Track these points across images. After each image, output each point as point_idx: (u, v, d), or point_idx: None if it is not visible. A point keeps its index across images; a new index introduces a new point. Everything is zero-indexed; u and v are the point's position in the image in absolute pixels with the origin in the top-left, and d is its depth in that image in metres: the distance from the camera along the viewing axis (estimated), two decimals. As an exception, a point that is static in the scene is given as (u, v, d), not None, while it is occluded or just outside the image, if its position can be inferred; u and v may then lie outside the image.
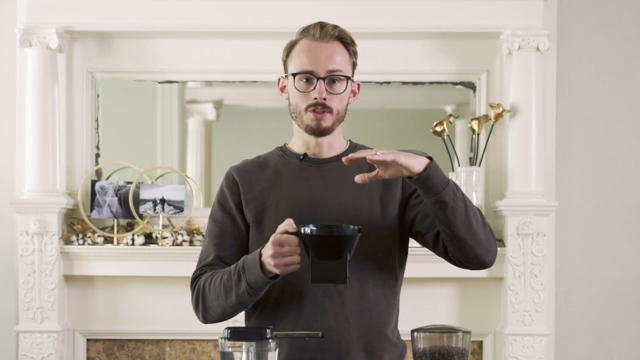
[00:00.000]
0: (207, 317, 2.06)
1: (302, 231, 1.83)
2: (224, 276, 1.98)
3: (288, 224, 1.86)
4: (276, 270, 1.87)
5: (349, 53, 2.05)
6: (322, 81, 2.00)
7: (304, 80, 2.02)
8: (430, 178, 1.86)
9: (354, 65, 2.08)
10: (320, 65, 2.00)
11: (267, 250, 1.88)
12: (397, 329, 2.13)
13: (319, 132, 2.04)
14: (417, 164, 1.84)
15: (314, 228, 1.82)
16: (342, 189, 2.05)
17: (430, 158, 1.87)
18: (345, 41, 2.05)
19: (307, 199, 2.04)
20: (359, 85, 2.11)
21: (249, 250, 2.07)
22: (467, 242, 1.93)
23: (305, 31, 2.05)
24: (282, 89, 2.10)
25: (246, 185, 2.09)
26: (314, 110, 2.01)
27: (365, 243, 1.98)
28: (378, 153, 1.81)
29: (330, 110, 2.02)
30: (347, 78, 2.03)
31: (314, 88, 2.00)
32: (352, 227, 1.83)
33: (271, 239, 1.88)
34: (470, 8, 3.60)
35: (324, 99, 2.00)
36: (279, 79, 2.11)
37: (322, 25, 2.03)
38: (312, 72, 2.00)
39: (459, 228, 1.91)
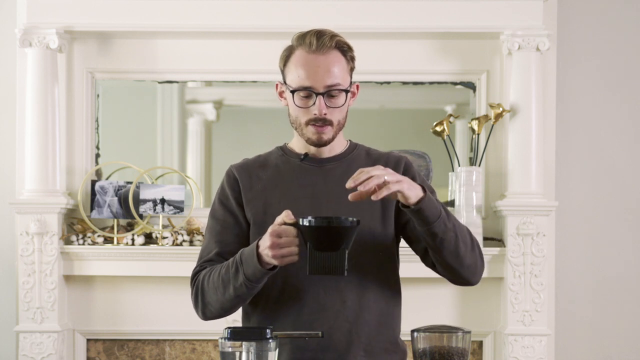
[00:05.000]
0: (206, 312, 2.05)
1: (301, 222, 1.84)
2: (222, 270, 1.99)
3: (286, 215, 1.87)
4: (274, 262, 1.88)
5: (346, 60, 2.04)
6: (321, 97, 2.00)
7: (303, 95, 2.01)
8: (423, 210, 1.90)
9: (352, 70, 2.07)
10: (318, 81, 1.99)
11: (265, 242, 1.88)
12: (399, 328, 2.13)
13: (320, 144, 2.05)
14: (414, 196, 1.88)
15: (312, 219, 1.83)
16: (343, 188, 2.05)
17: (423, 189, 1.90)
18: (343, 49, 2.03)
19: (308, 197, 2.05)
20: (357, 86, 2.11)
21: None
22: (454, 266, 2.00)
23: (301, 39, 2.02)
24: (281, 94, 2.11)
25: (247, 183, 2.09)
26: (314, 125, 2.02)
27: (366, 242, 2.01)
28: (390, 184, 1.82)
29: (331, 123, 2.03)
30: (346, 92, 2.03)
31: (314, 103, 2.01)
32: (350, 219, 1.84)
33: (269, 230, 1.88)
34: (470, 8, 3.60)
35: (324, 114, 2.01)
36: (276, 85, 2.11)
37: (318, 35, 2.00)
38: (311, 88, 2.00)
39: (446, 256, 1.97)
